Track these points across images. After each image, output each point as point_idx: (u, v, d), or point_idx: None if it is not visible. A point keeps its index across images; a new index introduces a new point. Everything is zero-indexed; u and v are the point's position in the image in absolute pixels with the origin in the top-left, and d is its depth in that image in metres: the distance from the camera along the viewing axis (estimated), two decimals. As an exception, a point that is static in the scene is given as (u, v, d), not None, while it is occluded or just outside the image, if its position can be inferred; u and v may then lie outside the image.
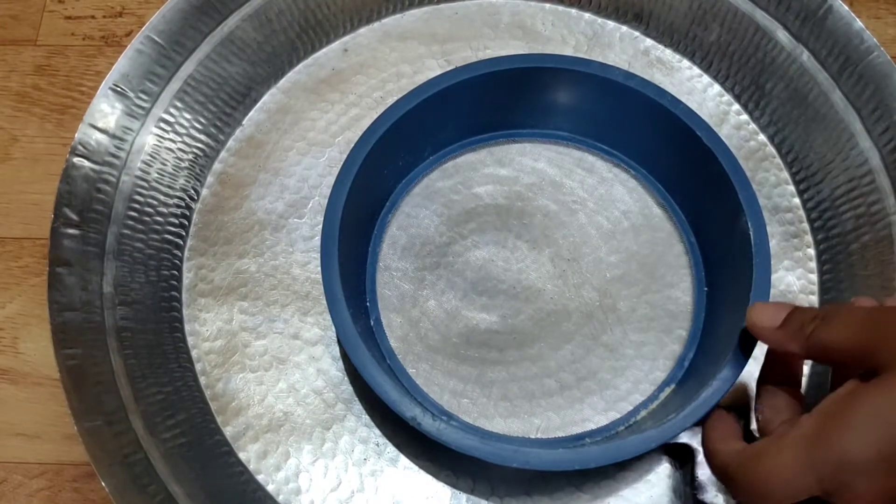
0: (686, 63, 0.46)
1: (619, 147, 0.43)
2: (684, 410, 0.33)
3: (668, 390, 0.38)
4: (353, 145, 0.38)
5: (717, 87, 0.45)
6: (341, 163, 0.37)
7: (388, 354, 0.39)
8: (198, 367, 0.40)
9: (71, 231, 0.39)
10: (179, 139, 0.43)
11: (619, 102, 0.40)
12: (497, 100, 0.41)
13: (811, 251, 0.42)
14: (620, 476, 0.37)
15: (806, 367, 0.39)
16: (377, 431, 0.38)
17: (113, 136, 0.41)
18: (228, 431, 0.38)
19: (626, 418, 0.37)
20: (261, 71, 0.45)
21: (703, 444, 0.31)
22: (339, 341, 0.40)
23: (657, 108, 0.39)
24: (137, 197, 0.41)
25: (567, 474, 0.37)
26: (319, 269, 0.36)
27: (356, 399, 0.39)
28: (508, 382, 0.38)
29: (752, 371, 0.36)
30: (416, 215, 0.42)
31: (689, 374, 0.38)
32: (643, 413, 0.37)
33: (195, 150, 0.43)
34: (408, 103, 0.38)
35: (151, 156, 0.42)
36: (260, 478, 0.38)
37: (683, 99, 0.39)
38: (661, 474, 0.37)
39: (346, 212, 0.37)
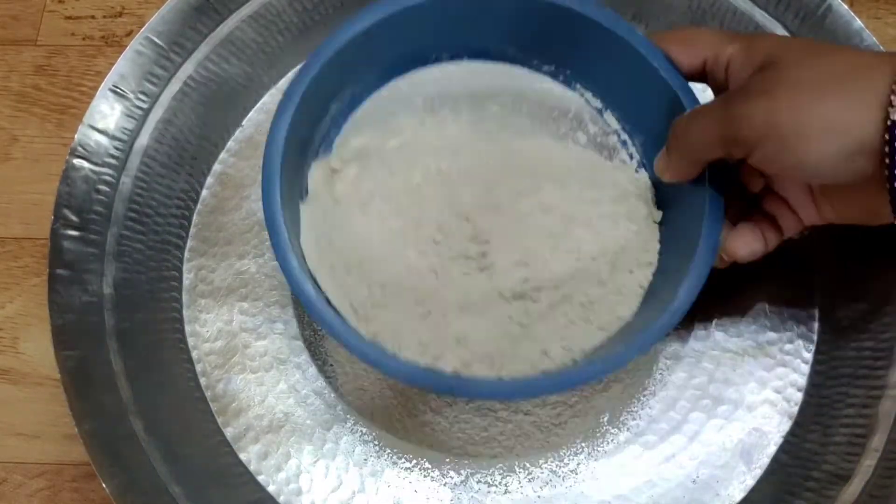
0: (686, 63, 0.46)
1: (569, 68, 0.40)
2: (634, 342, 0.33)
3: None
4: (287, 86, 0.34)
5: (716, 87, 0.45)
6: None
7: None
8: (198, 367, 0.40)
9: (71, 232, 0.39)
10: (179, 140, 0.43)
11: (567, 26, 0.38)
12: (441, 26, 0.38)
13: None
14: (621, 475, 0.37)
15: (806, 366, 0.39)
16: (378, 432, 0.38)
17: (112, 137, 0.41)
18: (229, 432, 0.38)
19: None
20: (260, 71, 0.45)
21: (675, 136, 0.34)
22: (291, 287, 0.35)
23: (599, 29, 0.37)
24: (137, 198, 0.41)
25: (567, 472, 0.37)
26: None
27: (357, 400, 0.39)
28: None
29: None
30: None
31: (647, 301, 0.37)
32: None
33: (195, 151, 0.43)
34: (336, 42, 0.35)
35: (151, 157, 0.42)
36: (261, 479, 0.38)
37: None
38: (662, 474, 0.37)
39: (287, 148, 0.34)
